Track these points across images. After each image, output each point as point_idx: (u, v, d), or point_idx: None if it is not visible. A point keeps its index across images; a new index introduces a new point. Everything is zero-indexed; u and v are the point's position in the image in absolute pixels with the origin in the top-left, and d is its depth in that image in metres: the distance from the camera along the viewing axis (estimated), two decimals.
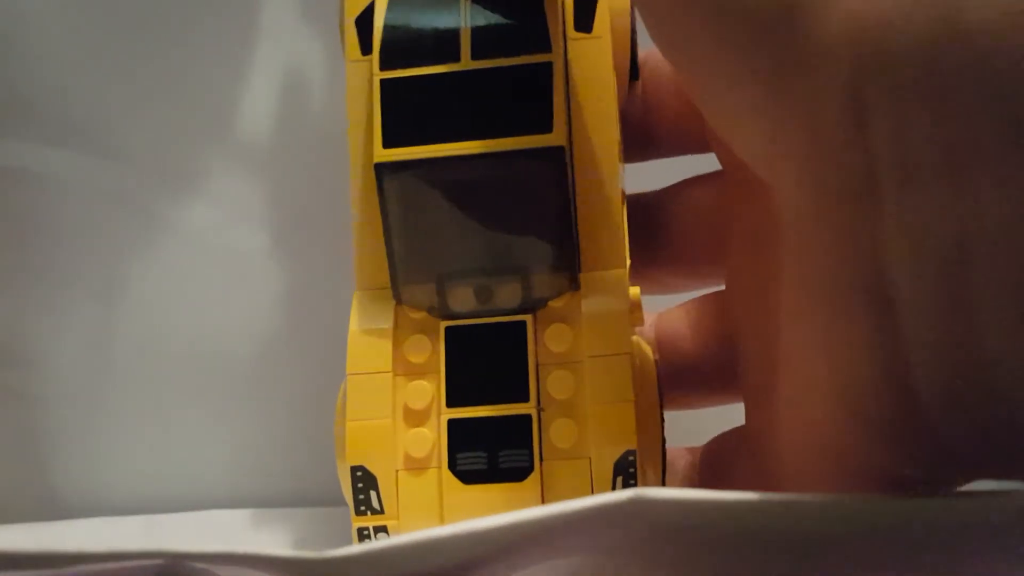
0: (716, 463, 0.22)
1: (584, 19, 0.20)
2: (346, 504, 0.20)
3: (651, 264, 0.22)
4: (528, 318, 0.20)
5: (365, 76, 0.20)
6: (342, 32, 0.21)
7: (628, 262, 0.20)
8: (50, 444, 0.29)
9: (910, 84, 0.12)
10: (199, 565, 0.13)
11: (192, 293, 0.29)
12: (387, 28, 0.19)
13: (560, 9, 0.20)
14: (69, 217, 0.29)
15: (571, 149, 0.20)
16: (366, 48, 0.20)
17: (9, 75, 0.28)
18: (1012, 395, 0.12)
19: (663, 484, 0.20)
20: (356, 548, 0.13)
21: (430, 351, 0.20)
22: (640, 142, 0.22)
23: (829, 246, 0.14)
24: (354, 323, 0.20)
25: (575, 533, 0.14)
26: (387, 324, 0.20)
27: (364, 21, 0.20)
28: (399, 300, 0.20)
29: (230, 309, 0.29)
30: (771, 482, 0.18)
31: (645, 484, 0.19)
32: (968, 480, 0.15)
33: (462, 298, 0.20)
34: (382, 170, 0.19)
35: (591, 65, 0.20)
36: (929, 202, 0.12)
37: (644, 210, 0.22)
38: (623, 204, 0.20)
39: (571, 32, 0.20)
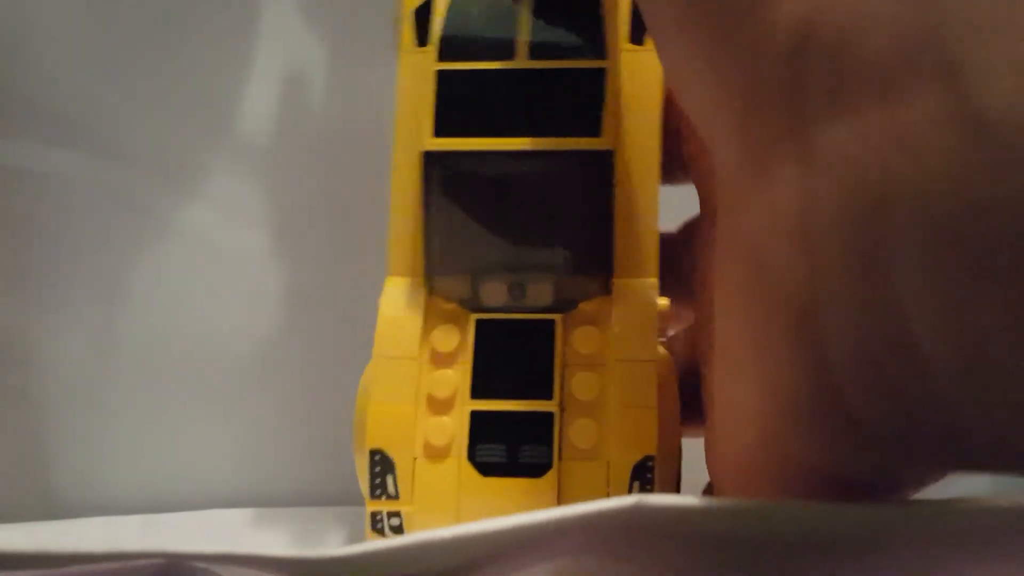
0: None
1: (638, 32, 0.20)
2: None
3: (673, 299, 0.22)
4: (558, 318, 0.20)
5: (418, 67, 0.20)
6: (396, 23, 0.21)
7: None
8: (50, 444, 0.29)
9: (851, 20, 0.12)
10: (199, 565, 0.13)
11: (192, 293, 0.29)
12: (449, 21, 0.20)
13: (616, 20, 0.20)
14: (70, 217, 0.29)
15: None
16: (422, 40, 0.21)
17: (9, 75, 0.28)
18: (930, 368, 0.11)
19: (678, 492, 0.20)
20: (356, 548, 0.13)
21: (458, 342, 0.20)
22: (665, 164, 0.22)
23: (757, 197, 0.13)
24: (384, 308, 0.20)
25: (576, 538, 0.14)
26: (417, 311, 0.20)
27: (422, 13, 0.21)
28: (431, 290, 0.20)
29: (230, 309, 0.29)
30: None
31: (662, 491, 0.19)
32: (921, 480, 0.14)
33: (495, 293, 0.20)
34: (430, 158, 0.19)
35: (641, 76, 0.20)
36: (859, 136, 0.12)
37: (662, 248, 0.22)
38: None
39: (625, 43, 0.20)
